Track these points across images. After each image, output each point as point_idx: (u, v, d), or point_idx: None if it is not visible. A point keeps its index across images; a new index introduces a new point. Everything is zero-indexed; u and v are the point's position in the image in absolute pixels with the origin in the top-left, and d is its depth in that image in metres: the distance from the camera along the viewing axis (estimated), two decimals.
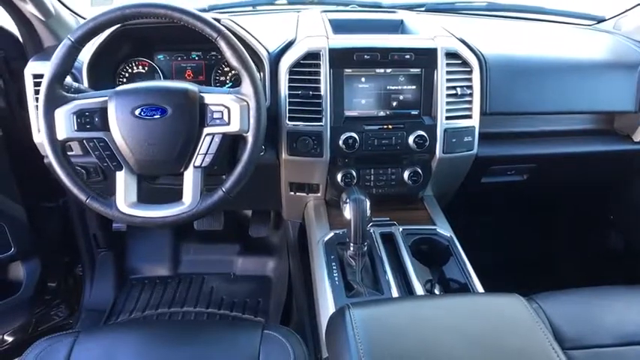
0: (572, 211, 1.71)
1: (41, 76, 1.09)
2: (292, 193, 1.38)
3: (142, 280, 1.85)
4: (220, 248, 1.86)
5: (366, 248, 1.12)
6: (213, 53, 1.36)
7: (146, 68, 1.37)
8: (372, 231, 1.23)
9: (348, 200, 1.10)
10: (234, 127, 1.00)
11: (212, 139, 1.01)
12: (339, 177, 1.29)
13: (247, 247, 1.85)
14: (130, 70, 1.36)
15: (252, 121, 1.00)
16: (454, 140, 1.26)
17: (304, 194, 1.38)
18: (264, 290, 1.78)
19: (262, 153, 1.27)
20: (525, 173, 1.49)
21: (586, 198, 1.70)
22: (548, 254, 1.40)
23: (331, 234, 1.23)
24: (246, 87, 1.00)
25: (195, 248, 1.86)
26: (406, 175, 1.30)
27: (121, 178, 1.02)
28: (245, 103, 1.00)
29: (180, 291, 1.76)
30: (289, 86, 1.21)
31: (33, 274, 1.59)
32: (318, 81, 1.21)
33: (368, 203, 1.09)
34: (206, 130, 1.01)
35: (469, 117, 1.27)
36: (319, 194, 1.37)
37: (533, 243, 1.56)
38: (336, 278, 1.10)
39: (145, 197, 1.05)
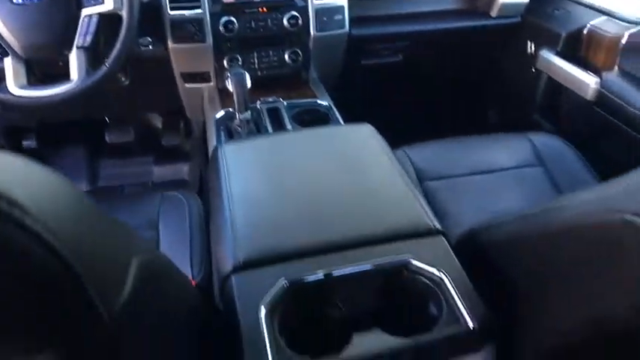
0: (450, 94, 1.92)
1: None
2: (187, 85, 1.50)
3: None
4: (135, 160, 1.95)
5: (250, 116, 1.26)
6: None
7: None
8: (259, 106, 1.37)
9: (229, 75, 1.23)
10: (108, 5, 1.09)
11: (90, 19, 1.10)
12: (225, 62, 1.41)
13: (161, 156, 1.95)
14: None
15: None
16: (325, 19, 1.41)
17: (198, 84, 1.49)
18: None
19: (150, 46, 1.36)
20: (400, 52, 1.66)
21: (463, 81, 1.90)
22: (425, 123, 1.59)
23: (222, 112, 1.36)
24: None
25: (111, 162, 1.94)
26: (287, 56, 1.44)
27: (9, 63, 1.10)
28: None
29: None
30: None
31: None
32: None
33: (247, 75, 1.23)
34: (84, 12, 1.09)
35: None
36: (211, 83, 1.49)
37: (415, 116, 1.75)
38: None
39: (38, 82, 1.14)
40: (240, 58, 1.41)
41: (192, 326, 0.65)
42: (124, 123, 1.89)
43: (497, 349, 0.72)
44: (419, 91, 1.84)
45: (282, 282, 0.69)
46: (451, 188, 1.26)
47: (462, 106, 1.92)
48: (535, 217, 0.72)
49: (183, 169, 1.94)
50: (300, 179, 0.89)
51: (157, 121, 1.97)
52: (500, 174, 1.32)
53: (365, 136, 1.01)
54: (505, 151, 1.38)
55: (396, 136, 1.13)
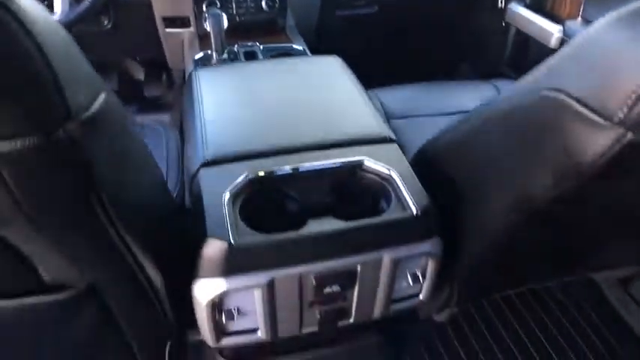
0: (424, 47, 1.98)
1: None
2: (168, 30, 1.54)
3: None
4: None
5: (227, 57, 1.32)
6: None
7: None
8: (236, 49, 1.42)
9: (207, 16, 1.29)
10: None
11: None
12: (204, 6, 1.46)
13: (144, 106, 2.00)
14: None
15: None
16: None
17: (178, 29, 1.54)
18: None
19: None
20: (375, 4, 1.71)
21: (437, 34, 1.96)
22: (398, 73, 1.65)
23: (201, 53, 1.42)
24: None
25: None
26: (264, 2, 1.49)
27: None
28: None
29: None
30: None
31: None
32: None
33: (225, 16, 1.28)
34: None
35: None
36: (191, 28, 1.53)
37: (389, 67, 1.81)
38: None
39: None
40: (218, 3, 1.46)
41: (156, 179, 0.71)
42: (107, 71, 1.93)
43: (445, 247, 0.80)
44: (393, 42, 1.90)
45: (245, 174, 0.76)
46: (415, 126, 1.33)
47: (435, 58, 1.98)
48: (472, 116, 0.79)
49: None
50: (268, 95, 0.96)
51: (139, 73, 2.01)
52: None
53: (332, 64, 1.08)
54: (471, 95, 1.45)
55: (370, 84, 1.20)
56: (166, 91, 2.01)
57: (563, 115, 0.56)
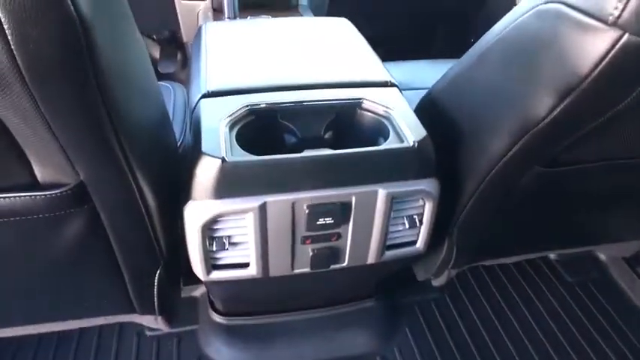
0: (434, 28, 1.98)
1: None
2: (184, 1, 1.57)
3: None
4: None
5: None
6: None
7: None
8: (248, 19, 1.44)
9: None
10: None
11: None
12: None
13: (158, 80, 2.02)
14: None
15: None
16: None
17: (194, 1, 1.57)
18: None
19: None
20: None
21: (450, 14, 1.97)
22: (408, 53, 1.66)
23: (214, 23, 1.44)
24: None
25: None
26: None
27: None
28: None
29: None
30: None
31: None
32: None
33: None
34: None
35: None
36: (206, 1, 1.56)
37: (399, 46, 1.81)
38: None
39: None
40: None
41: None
42: None
43: (442, 193, 0.79)
44: (405, 24, 1.90)
45: (245, 104, 0.76)
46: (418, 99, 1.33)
47: (444, 40, 1.98)
48: (469, 54, 0.78)
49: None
50: (273, 43, 0.96)
51: (155, 50, 2.04)
52: None
53: (341, 24, 1.08)
54: None
55: None
56: (180, 69, 2.03)
57: (560, 25, 0.55)
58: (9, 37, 0.40)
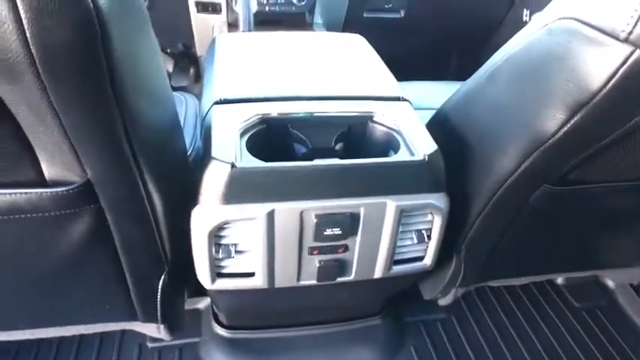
0: (446, 55, 2.00)
1: None
2: (199, 15, 1.60)
3: None
4: None
5: None
6: None
7: None
8: None
9: None
10: None
11: None
12: None
13: None
14: None
15: None
16: None
17: (209, 15, 1.59)
18: None
19: None
20: (402, 9, 1.75)
21: (461, 43, 1.99)
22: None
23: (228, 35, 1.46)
24: None
25: None
26: None
27: None
28: None
29: None
30: None
31: None
32: None
33: (255, 1, 1.33)
34: None
35: None
36: (222, 15, 1.59)
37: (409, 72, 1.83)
38: None
39: None
40: None
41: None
42: None
43: (451, 208, 0.78)
44: (416, 49, 1.92)
45: (257, 113, 0.77)
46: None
47: (456, 65, 2.00)
48: (478, 73, 0.78)
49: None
50: (286, 55, 0.97)
51: (169, 64, 2.07)
52: None
53: (355, 40, 1.09)
54: None
55: None
56: (193, 83, 2.05)
57: (572, 40, 0.55)
58: (25, 27, 0.40)
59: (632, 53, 0.49)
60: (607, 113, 0.56)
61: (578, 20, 0.55)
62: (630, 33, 0.49)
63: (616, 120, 0.58)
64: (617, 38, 0.50)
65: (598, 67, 0.53)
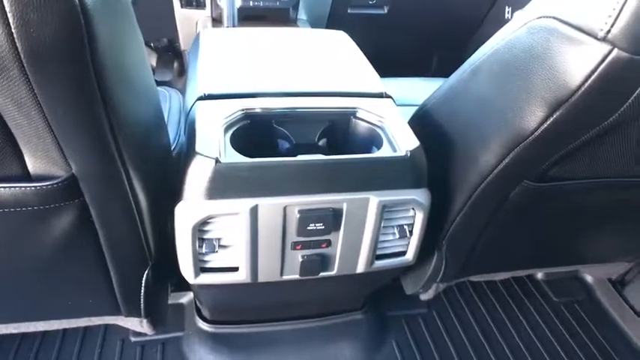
0: (429, 52, 2.02)
1: None
2: (184, 10, 1.59)
3: None
4: None
5: None
6: None
7: None
8: None
9: None
10: None
11: None
12: None
13: None
14: None
15: None
16: None
17: (193, 10, 1.58)
18: None
19: None
20: (386, 5, 1.76)
21: (443, 39, 2.00)
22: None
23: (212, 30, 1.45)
24: None
25: None
26: None
27: None
28: None
29: None
30: None
31: None
32: None
33: None
34: None
35: None
36: (206, 10, 1.58)
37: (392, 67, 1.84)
38: None
39: None
40: None
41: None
42: None
43: (433, 203, 0.79)
44: (399, 44, 1.93)
45: (241, 108, 0.77)
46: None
47: (438, 61, 2.02)
48: (461, 70, 0.79)
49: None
50: (269, 50, 0.97)
51: (152, 58, 2.05)
52: None
53: (338, 36, 1.10)
54: None
55: None
56: (177, 78, 2.04)
57: (552, 39, 0.57)
58: (10, 20, 0.40)
59: (610, 52, 0.51)
60: (585, 111, 0.57)
61: (557, 19, 0.56)
62: (608, 32, 0.50)
63: (594, 118, 0.60)
64: (595, 37, 0.51)
65: (577, 65, 0.54)
